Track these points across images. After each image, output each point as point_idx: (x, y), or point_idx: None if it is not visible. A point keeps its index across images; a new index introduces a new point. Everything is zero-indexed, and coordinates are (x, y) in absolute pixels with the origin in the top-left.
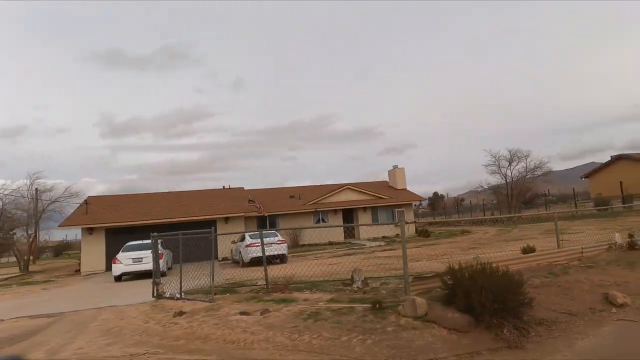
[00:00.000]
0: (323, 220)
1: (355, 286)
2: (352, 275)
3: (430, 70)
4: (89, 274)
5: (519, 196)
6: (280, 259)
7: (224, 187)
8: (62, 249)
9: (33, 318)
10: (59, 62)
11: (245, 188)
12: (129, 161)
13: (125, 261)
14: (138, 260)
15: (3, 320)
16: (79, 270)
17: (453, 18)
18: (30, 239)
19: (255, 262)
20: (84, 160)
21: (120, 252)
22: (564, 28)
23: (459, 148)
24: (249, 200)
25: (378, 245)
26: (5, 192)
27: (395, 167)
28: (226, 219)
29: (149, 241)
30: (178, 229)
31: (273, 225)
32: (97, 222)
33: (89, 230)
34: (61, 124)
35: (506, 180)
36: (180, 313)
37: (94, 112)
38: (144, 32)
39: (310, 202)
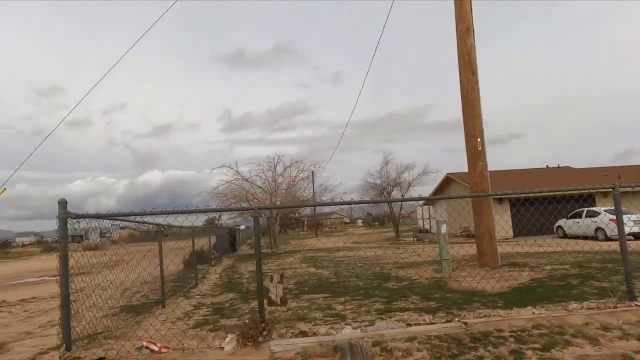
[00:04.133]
0: None
1: None
2: None
3: (542, 53)
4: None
5: None
6: None
7: (547, 166)
8: None
9: None
10: (198, 64)
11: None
12: (242, 154)
13: (628, 223)
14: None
15: None
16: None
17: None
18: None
19: None
20: (209, 153)
21: (605, 215)
22: None
23: (576, 138)
24: None
25: None
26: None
27: None
28: (605, 194)
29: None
30: (563, 201)
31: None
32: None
33: (499, 200)
34: (195, 119)
35: None
36: None
37: (218, 108)
38: (260, 33)
39: None
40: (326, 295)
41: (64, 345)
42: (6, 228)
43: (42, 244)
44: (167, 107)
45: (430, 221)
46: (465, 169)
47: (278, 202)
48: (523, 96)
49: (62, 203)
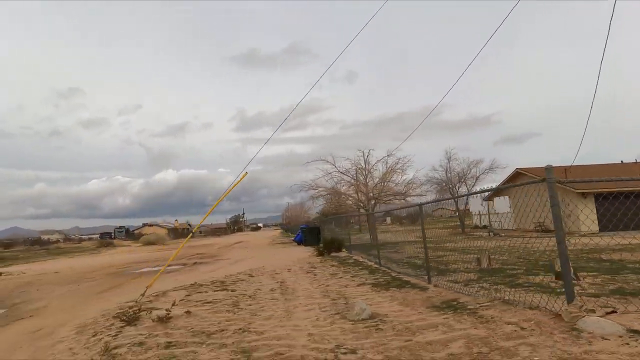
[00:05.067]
0: None
1: None
2: None
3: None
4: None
5: None
6: None
7: (636, 160)
8: None
9: None
10: (211, 64)
11: None
12: (254, 153)
13: None
14: None
15: None
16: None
17: None
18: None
19: None
20: (224, 152)
21: None
22: None
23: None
24: None
25: None
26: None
27: None
28: None
29: None
30: None
31: None
32: (591, 188)
33: (583, 195)
34: (208, 119)
35: None
36: None
37: (231, 108)
38: (275, 33)
39: None
40: (593, 274)
41: (569, 298)
42: (25, 227)
43: (71, 240)
44: (181, 107)
45: (489, 217)
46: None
47: (373, 196)
48: (541, 96)
49: (549, 169)
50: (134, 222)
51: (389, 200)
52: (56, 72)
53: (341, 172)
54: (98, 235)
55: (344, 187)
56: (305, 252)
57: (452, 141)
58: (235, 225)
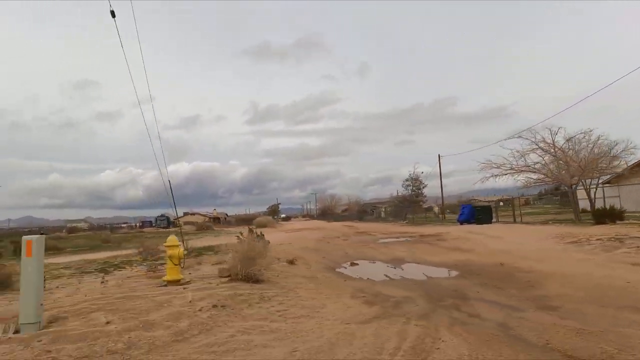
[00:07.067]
0: None
1: None
2: None
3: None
4: None
5: None
6: None
7: None
8: None
9: None
10: (223, 57)
11: None
12: (265, 146)
13: None
14: None
15: None
16: None
17: None
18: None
19: None
20: (235, 145)
21: None
22: None
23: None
24: None
25: None
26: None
27: None
28: None
29: None
30: None
31: None
32: None
33: None
34: (221, 111)
35: None
36: None
37: (244, 101)
38: (287, 25)
39: None
40: None
41: None
42: (38, 216)
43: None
44: (195, 99)
45: (605, 201)
46: None
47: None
48: (552, 88)
49: None
50: (146, 214)
51: (596, 176)
52: (71, 63)
53: (543, 149)
54: (139, 224)
55: (537, 165)
56: (539, 227)
57: (467, 133)
58: (273, 215)
